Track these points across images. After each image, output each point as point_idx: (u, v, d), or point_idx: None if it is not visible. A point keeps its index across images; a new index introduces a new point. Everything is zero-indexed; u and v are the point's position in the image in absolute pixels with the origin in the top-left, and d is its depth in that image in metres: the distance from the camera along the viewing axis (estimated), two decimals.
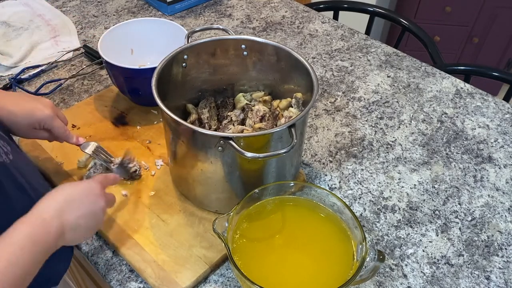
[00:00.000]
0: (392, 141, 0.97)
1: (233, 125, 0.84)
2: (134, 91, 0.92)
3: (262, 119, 0.83)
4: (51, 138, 0.79)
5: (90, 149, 0.82)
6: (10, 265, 0.51)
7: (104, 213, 0.66)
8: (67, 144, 0.89)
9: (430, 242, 0.79)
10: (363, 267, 0.61)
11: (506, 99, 1.19)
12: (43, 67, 1.10)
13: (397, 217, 0.82)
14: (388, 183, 0.88)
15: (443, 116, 1.03)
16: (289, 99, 0.82)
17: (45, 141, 0.89)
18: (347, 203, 0.84)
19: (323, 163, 0.91)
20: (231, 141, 0.63)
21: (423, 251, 0.77)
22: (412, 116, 1.03)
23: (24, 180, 0.65)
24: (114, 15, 1.31)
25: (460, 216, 0.83)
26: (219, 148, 0.66)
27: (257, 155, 0.62)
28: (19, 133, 0.75)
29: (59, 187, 0.63)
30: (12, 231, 0.54)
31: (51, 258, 0.58)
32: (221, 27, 0.86)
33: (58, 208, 0.59)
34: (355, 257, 0.65)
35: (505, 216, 0.83)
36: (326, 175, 0.89)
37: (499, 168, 0.92)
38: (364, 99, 1.07)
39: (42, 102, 0.76)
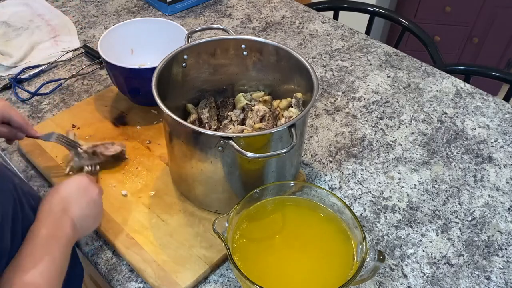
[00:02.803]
0: (392, 141, 0.97)
1: (233, 125, 0.84)
2: (134, 91, 0.92)
3: (262, 119, 0.83)
4: (11, 133, 0.78)
5: (54, 138, 0.81)
6: (49, 264, 0.56)
7: (101, 199, 0.70)
8: None
9: (430, 242, 0.79)
10: (363, 267, 0.61)
11: (506, 99, 1.19)
12: (43, 67, 1.10)
13: (397, 217, 0.82)
14: (388, 183, 0.88)
15: (443, 116, 1.03)
16: (289, 99, 0.82)
17: (45, 141, 0.89)
18: (347, 203, 0.84)
19: (323, 163, 0.91)
20: (231, 141, 0.63)
21: (423, 251, 0.77)
22: (412, 116, 1.03)
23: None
24: (114, 15, 1.31)
25: (460, 216, 0.83)
26: (219, 148, 0.66)
27: (257, 155, 0.62)
28: None
29: (51, 191, 0.66)
30: (33, 238, 0.58)
31: (66, 277, 0.60)
32: (221, 27, 0.86)
33: (61, 208, 0.63)
34: (355, 257, 0.65)
35: (505, 216, 0.83)
36: (326, 175, 0.89)
37: (499, 168, 0.92)
38: (364, 99, 1.07)
39: None
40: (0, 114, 0.75)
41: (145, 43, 1.01)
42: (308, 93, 0.75)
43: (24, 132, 0.80)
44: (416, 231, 0.80)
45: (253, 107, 0.85)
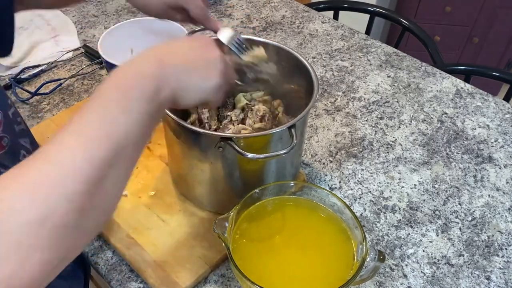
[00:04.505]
0: (392, 141, 0.97)
1: (233, 125, 0.84)
2: None
3: (262, 119, 0.83)
4: (186, 19, 0.70)
5: (227, 38, 0.68)
6: (104, 125, 0.40)
7: (221, 65, 0.52)
8: None
9: (430, 242, 0.79)
10: (363, 267, 0.61)
11: (506, 99, 1.19)
12: (43, 67, 1.10)
13: (397, 217, 0.82)
14: (388, 183, 0.88)
15: (443, 116, 1.03)
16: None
17: (45, 141, 0.89)
18: (347, 203, 0.84)
19: (323, 163, 0.91)
20: (231, 142, 0.63)
21: (423, 251, 0.77)
22: (412, 116, 1.03)
23: None
24: (114, 15, 1.31)
25: (460, 216, 0.83)
26: (219, 148, 0.65)
27: (257, 155, 0.62)
28: (151, 9, 0.69)
29: (174, 39, 0.52)
30: (102, 87, 0.42)
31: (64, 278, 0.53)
32: None
33: (161, 52, 0.48)
34: (355, 257, 0.65)
35: (505, 216, 0.83)
36: (326, 175, 0.89)
37: (499, 168, 0.92)
38: (364, 99, 1.07)
39: None
40: (175, 1, 0.67)
41: (145, 43, 1.00)
42: (308, 93, 0.74)
43: (202, 23, 0.71)
44: (416, 231, 0.80)
45: (253, 107, 0.85)
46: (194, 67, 0.49)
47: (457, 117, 1.03)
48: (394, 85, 1.11)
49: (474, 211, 0.84)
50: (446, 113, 1.04)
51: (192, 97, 0.49)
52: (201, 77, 0.50)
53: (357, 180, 0.88)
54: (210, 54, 0.52)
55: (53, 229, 0.35)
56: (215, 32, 0.70)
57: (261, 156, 0.63)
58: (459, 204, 0.85)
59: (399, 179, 0.89)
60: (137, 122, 0.42)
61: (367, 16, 1.46)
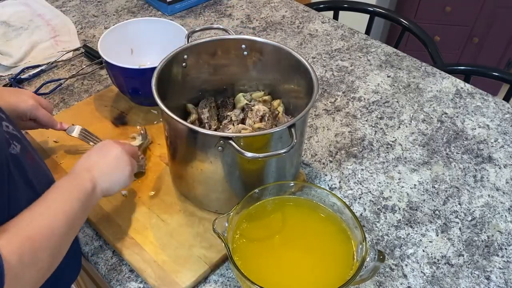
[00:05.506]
0: (392, 141, 0.97)
1: (233, 125, 0.84)
2: (134, 91, 0.92)
3: (262, 119, 0.83)
4: (38, 126, 0.83)
5: (76, 132, 0.87)
6: (62, 213, 0.57)
7: (126, 156, 0.71)
8: (66, 144, 0.89)
9: (430, 242, 0.79)
10: (363, 267, 0.61)
11: (506, 99, 1.19)
12: (43, 67, 1.10)
13: (397, 217, 0.82)
14: (388, 183, 0.88)
15: (443, 116, 1.03)
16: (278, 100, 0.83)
17: (45, 141, 0.89)
18: (347, 203, 0.84)
19: (323, 163, 0.91)
20: (231, 141, 0.63)
21: (423, 251, 0.77)
22: (412, 116, 1.03)
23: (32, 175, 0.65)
24: (114, 15, 1.31)
25: (460, 216, 0.83)
26: (219, 148, 0.66)
27: (257, 155, 0.62)
28: None
29: (86, 153, 0.69)
30: (49, 190, 0.59)
31: (60, 266, 0.57)
32: (221, 27, 0.86)
33: (83, 168, 0.66)
34: (355, 257, 0.65)
35: (505, 216, 0.83)
36: (326, 175, 0.89)
37: (499, 168, 0.92)
38: (364, 99, 1.07)
39: (24, 93, 0.80)
40: (28, 114, 0.79)
41: (145, 43, 1.01)
42: (308, 93, 0.75)
43: (50, 128, 0.84)
44: (416, 231, 0.80)
45: (253, 107, 0.85)
46: (111, 167, 0.68)
47: (457, 117, 1.03)
48: (394, 85, 1.11)
49: (474, 211, 0.84)
50: (446, 113, 1.04)
51: (116, 187, 0.70)
52: (118, 172, 0.69)
53: (357, 180, 0.88)
54: (113, 151, 0.70)
55: None
56: (63, 130, 0.86)
57: (261, 155, 0.63)
58: (459, 204, 0.85)
59: (399, 179, 0.89)
60: (83, 208, 0.61)
61: (367, 16, 1.46)
